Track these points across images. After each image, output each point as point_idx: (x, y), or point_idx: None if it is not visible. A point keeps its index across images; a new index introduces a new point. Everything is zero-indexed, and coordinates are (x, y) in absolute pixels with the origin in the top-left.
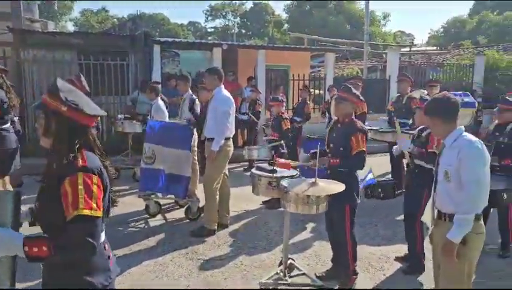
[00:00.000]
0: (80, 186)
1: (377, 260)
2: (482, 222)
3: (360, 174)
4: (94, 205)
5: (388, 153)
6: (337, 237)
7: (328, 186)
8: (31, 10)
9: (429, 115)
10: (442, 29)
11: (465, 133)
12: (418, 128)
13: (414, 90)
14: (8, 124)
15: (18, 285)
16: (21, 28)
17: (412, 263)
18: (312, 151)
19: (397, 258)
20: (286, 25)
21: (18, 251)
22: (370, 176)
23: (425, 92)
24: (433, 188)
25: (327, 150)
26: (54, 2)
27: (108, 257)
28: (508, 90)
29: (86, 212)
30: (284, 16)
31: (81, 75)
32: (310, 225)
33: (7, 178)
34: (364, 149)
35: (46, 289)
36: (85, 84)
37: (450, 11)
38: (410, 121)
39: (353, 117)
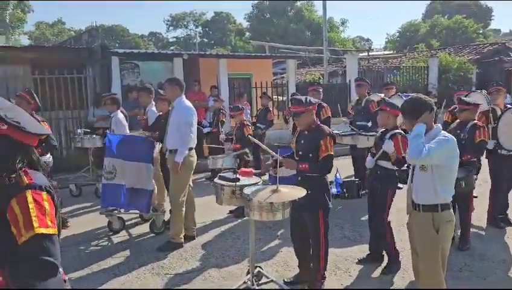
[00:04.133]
0: (31, 205)
1: (344, 261)
2: (451, 210)
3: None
4: (49, 223)
5: (350, 156)
6: (312, 242)
7: (290, 192)
8: None
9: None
10: (397, 34)
11: (443, 132)
12: (380, 130)
13: (372, 93)
14: None
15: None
16: None
17: (390, 262)
18: (273, 158)
19: (360, 261)
20: (248, 34)
21: None
22: (338, 175)
23: (382, 95)
24: (409, 180)
25: (296, 158)
26: (5, 14)
27: (65, 280)
28: (459, 90)
29: (42, 230)
30: (245, 24)
31: (31, 90)
32: (278, 232)
33: None
34: (332, 153)
35: None
36: (37, 99)
37: (404, 16)
38: (370, 124)
39: (318, 122)
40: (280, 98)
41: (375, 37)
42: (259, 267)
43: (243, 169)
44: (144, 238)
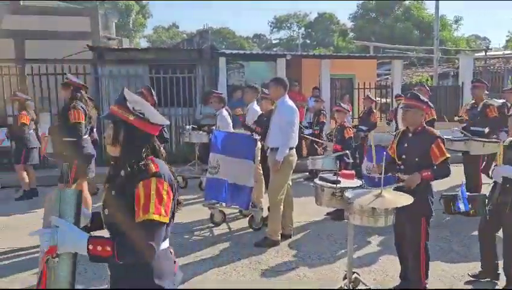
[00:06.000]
0: (152, 191)
1: (450, 278)
2: None
3: (439, 185)
4: (163, 211)
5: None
6: (411, 251)
7: (394, 198)
8: (108, 28)
9: None
10: None
11: None
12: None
13: (490, 96)
14: (87, 135)
15: (77, 285)
16: (99, 46)
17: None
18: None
19: (472, 277)
20: (351, 34)
21: (82, 248)
22: (463, 188)
23: (502, 100)
24: None
25: (398, 162)
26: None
27: (174, 261)
28: None
29: (155, 217)
30: (349, 24)
31: (150, 88)
32: (376, 238)
33: (86, 184)
34: (449, 156)
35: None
36: (154, 96)
37: None
38: (486, 130)
39: (424, 125)
40: (383, 100)
41: (494, 35)
42: (357, 273)
43: (345, 171)
44: (243, 233)
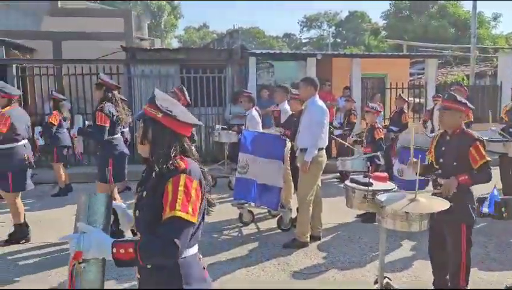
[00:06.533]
0: (181, 188)
1: (489, 286)
2: None
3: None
4: (190, 210)
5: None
6: (451, 258)
7: (430, 203)
8: (141, 29)
9: None
10: None
11: None
12: None
13: None
14: (118, 135)
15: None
16: (132, 47)
17: None
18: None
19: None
20: (383, 32)
21: (107, 253)
22: (495, 191)
23: None
24: None
25: (436, 166)
26: (161, 20)
27: (204, 267)
28: None
29: (181, 214)
30: (381, 23)
31: (183, 88)
32: (408, 243)
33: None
34: (490, 159)
35: None
36: (187, 96)
37: None
38: None
39: (463, 127)
40: (416, 100)
41: None
42: (388, 278)
43: (377, 173)
44: (271, 233)
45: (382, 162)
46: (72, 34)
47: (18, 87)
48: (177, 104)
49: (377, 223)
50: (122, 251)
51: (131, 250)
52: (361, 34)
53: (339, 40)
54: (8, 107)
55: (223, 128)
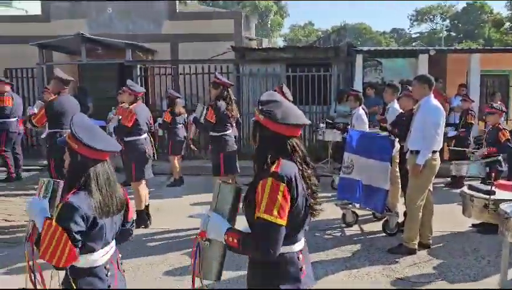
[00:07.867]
0: (267, 190)
1: None
2: None
3: None
4: (275, 213)
5: None
6: None
7: None
8: (249, 29)
9: None
10: None
11: None
12: None
13: None
14: (230, 130)
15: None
16: (241, 47)
17: None
18: None
19: None
20: (508, 24)
21: (222, 237)
22: None
23: None
24: None
25: None
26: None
27: (301, 268)
28: None
29: (265, 216)
30: (506, 13)
31: (284, 86)
32: None
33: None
34: None
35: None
36: (288, 94)
37: None
38: None
39: None
40: None
41: None
42: None
43: (502, 181)
44: (376, 237)
45: (505, 167)
46: (187, 36)
47: (141, 86)
48: (282, 104)
49: (497, 235)
50: (230, 239)
51: (235, 241)
52: (481, 27)
53: (453, 34)
54: (134, 104)
55: (328, 123)
